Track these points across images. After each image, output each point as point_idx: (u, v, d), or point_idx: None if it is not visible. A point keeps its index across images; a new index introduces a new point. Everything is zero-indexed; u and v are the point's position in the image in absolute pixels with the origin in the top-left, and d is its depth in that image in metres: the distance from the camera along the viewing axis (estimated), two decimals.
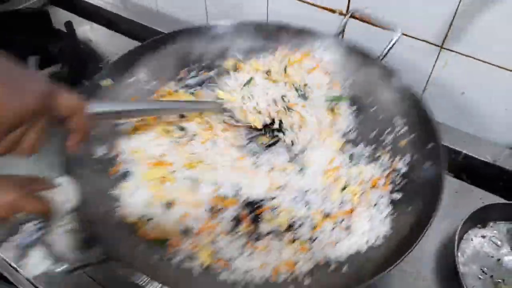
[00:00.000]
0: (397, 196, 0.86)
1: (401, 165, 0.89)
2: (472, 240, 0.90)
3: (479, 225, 0.92)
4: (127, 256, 0.74)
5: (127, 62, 1.04)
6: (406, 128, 0.93)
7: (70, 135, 0.63)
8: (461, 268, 0.80)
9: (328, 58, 1.07)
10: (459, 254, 0.85)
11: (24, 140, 0.56)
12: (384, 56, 0.98)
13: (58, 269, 0.64)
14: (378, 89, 1.00)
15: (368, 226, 0.81)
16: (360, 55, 1.03)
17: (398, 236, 0.78)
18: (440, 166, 0.80)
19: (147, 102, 0.95)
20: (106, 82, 0.99)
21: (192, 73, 1.11)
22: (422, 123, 0.89)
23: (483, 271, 0.85)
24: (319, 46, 1.09)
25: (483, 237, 0.90)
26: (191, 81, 1.11)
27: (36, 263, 0.64)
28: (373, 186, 0.88)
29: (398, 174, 0.89)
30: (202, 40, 1.12)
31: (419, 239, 0.69)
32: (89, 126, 0.64)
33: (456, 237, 0.83)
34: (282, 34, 1.11)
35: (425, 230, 0.70)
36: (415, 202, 0.81)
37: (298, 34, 1.10)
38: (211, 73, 1.12)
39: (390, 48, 0.97)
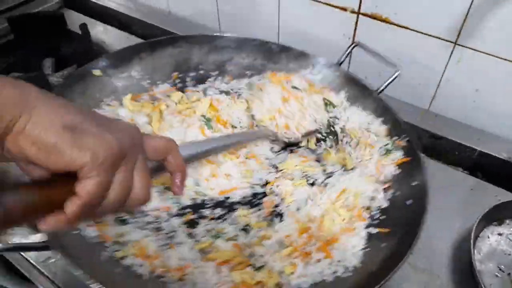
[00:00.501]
0: (373, 230, 0.82)
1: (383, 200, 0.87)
2: (488, 237, 0.89)
3: (495, 223, 0.91)
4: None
5: (123, 57, 1.06)
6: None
7: (172, 179, 0.58)
8: (478, 266, 0.80)
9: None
10: (475, 252, 0.84)
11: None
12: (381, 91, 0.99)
13: None
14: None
15: (339, 256, 0.79)
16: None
17: (367, 270, 0.76)
18: (423, 206, 0.77)
19: (221, 138, 0.88)
20: (96, 72, 1.01)
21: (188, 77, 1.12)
22: (412, 160, 0.88)
23: (500, 269, 0.84)
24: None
25: (500, 234, 0.89)
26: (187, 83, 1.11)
27: None
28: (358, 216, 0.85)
29: (378, 208, 0.86)
30: (203, 49, 1.13)
31: (388, 276, 0.67)
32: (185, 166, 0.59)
33: (472, 235, 0.82)
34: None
35: (396, 269, 0.68)
36: (390, 240, 0.79)
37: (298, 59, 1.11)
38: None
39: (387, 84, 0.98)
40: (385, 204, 0.87)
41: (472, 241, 0.81)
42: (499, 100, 1.06)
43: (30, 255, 0.88)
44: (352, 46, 1.05)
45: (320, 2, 1.20)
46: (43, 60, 1.37)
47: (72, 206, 0.43)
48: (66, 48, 1.40)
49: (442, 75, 1.10)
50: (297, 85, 1.04)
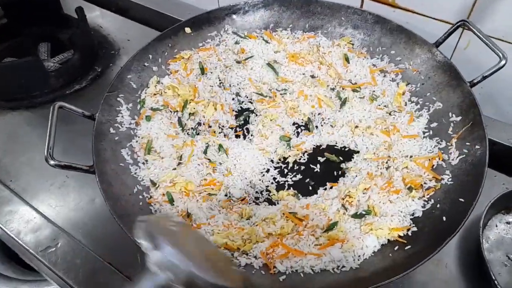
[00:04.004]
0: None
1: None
2: (496, 226, 0.87)
3: (503, 211, 0.90)
4: None
5: (216, 17, 1.14)
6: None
7: None
8: (486, 255, 0.78)
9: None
10: (483, 240, 0.83)
11: None
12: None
13: None
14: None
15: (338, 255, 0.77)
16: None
17: (355, 275, 0.75)
18: (454, 228, 0.71)
19: None
20: (187, 30, 1.12)
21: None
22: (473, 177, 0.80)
23: (508, 258, 0.83)
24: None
25: (508, 223, 0.88)
26: None
27: None
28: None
29: (412, 215, 0.82)
30: (294, 13, 1.16)
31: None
32: None
33: (481, 224, 0.80)
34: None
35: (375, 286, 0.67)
36: (400, 252, 0.76)
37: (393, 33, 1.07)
38: None
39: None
40: (419, 213, 0.81)
41: (480, 230, 0.80)
42: (507, 86, 1.04)
43: (29, 245, 0.87)
44: (457, 24, 0.95)
45: None
46: (39, 45, 1.34)
47: None
48: (62, 33, 1.36)
49: (450, 59, 1.07)
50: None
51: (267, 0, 1.14)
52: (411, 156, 0.89)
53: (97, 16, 1.48)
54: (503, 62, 0.85)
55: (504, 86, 1.04)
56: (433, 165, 0.87)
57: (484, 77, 0.88)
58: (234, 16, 1.14)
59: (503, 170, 0.97)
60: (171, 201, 0.85)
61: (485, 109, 1.07)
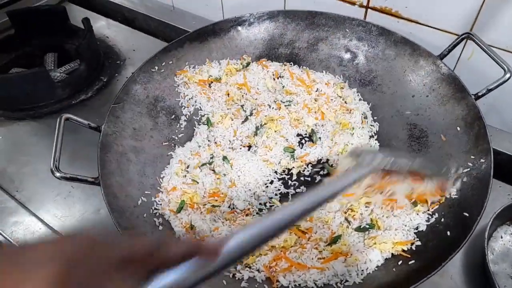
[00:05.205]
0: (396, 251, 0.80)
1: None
2: (501, 238, 0.87)
3: (508, 223, 0.89)
4: None
5: (221, 29, 1.15)
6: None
7: None
8: (492, 267, 0.78)
9: None
10: (488, 252, 0.82)
11: None
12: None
13: None
14: None
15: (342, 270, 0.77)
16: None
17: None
18: (458, 244, 0.70)
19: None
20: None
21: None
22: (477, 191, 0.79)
23: None
24: None
25: None
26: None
27: None
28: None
29: (416, 229, 0.82)
30: (299, 25, 1.16)
31: None
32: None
33: (486, 235, 0.80)
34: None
35: None
36: (404, 267, 0.76)
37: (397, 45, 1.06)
38: None
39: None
40: (423, 227, 0.81)
41: (485, 242, 0.79)
42: (510, 96, 1.03)
43: None
44: (461, 37, 0.95)
45: None
46: (45, 55, 1.35)
47: None
48: (68, 43, 1.37)
49: (454, 69, 1.07)
50: None
51: (272, 12, 1.15)
52: None
53: (103, 27, 1.50)
54: (507, 75, 0.85)
55: (509, 96, 1.04)
56: None
57: (489, 90, 0.88)
58: (239, 28, 1.15)
59: (508, 180, 0.97)
60: (179, 210, 0.85)
61: (490, 119, 1.07)
